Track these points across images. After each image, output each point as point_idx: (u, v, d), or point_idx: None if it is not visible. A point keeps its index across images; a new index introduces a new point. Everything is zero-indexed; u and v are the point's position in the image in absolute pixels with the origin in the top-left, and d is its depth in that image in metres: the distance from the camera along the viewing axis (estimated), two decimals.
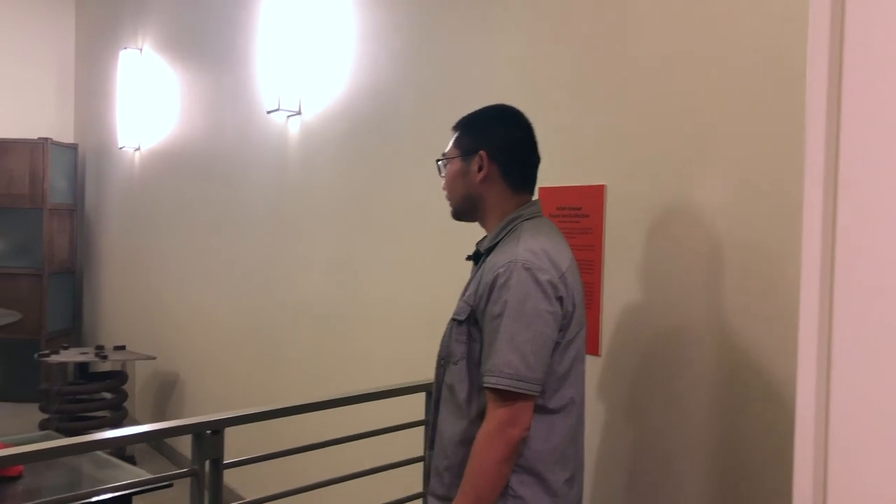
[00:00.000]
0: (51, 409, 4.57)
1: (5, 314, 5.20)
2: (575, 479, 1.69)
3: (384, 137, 3.07)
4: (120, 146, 5.69)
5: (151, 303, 5.34)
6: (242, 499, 2.88)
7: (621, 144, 2.09)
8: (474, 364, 1.65)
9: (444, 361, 1.75)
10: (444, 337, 1.77)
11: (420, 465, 2.24)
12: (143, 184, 5.55)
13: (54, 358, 4.62)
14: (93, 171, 6.61)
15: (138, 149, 5.54)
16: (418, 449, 2.30)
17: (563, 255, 1.66)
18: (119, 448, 4.54)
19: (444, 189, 1.83)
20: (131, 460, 4.47)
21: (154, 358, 4.84)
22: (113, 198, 6.18)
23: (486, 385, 1.56)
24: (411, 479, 2.38)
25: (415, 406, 2.36)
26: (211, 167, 4.50)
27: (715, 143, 1.86)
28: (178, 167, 4.98)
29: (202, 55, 4.66)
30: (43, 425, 4.60)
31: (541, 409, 1.60)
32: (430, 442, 1.79)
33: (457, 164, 1.78)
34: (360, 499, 2.71)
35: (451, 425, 1.68)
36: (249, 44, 4.00)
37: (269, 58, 3.69)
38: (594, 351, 2.13)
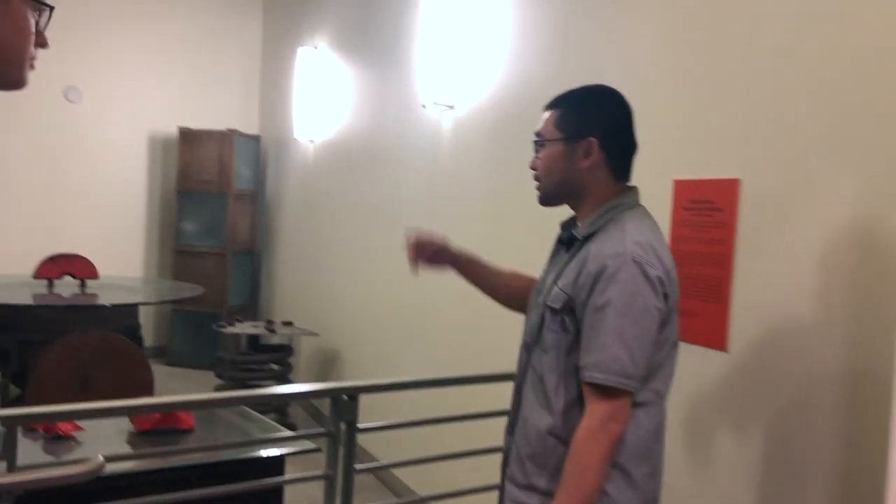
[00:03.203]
0: (225, 376, 5.02)
1: (190, 288, 5.78)
2: (655, 473, 1.63)
3: (529, 132, 3.14)
4: (296, 138, 6.12)
5: (317, 284, 5.72)
6: (374, 459, 3.09)
7: (758, 138, 2.06)
8: (564, 354, 1.58)
9: (530, 346, 1.69)
10: (531, 319, 1.71)
11: None
12: (316, 174, 5.95)
13: (230, 329, 5.08)
14: (273, 161, 7.14)
15: (312, 141, 5.93)
16: None
17: (666, 251, 1.61)
18: (283, 414, 4.96)
19: (533, 169, 1.74)
20: (292, 427, 4.83)
21: (317, 334, 5.19)
22: (289, 186, 6.65)
23: (590, 381, 1.50)
24: None
25: None
26: (374, 159, 4.76)
27: (850, 141, 1.80)
28: (345, 159, 5.31)
29: (370, 52, 4.94)
30: (218, 390, 5.07)
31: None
32: (511, 427, 1.73)
33: (558, 147, 1.66)
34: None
35: (536, 414, 1.63)
36: (411, 41, 4.20)
37: (427, 54, 3.87)
38: (721, 346, 2.12)
